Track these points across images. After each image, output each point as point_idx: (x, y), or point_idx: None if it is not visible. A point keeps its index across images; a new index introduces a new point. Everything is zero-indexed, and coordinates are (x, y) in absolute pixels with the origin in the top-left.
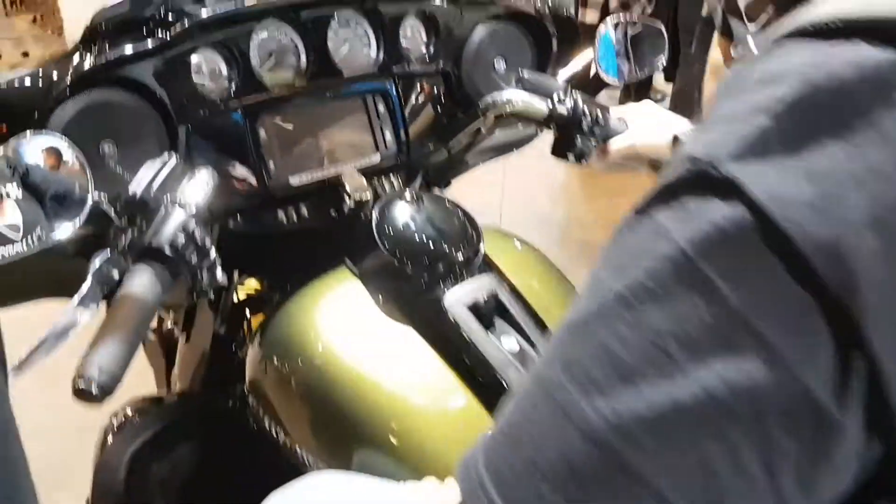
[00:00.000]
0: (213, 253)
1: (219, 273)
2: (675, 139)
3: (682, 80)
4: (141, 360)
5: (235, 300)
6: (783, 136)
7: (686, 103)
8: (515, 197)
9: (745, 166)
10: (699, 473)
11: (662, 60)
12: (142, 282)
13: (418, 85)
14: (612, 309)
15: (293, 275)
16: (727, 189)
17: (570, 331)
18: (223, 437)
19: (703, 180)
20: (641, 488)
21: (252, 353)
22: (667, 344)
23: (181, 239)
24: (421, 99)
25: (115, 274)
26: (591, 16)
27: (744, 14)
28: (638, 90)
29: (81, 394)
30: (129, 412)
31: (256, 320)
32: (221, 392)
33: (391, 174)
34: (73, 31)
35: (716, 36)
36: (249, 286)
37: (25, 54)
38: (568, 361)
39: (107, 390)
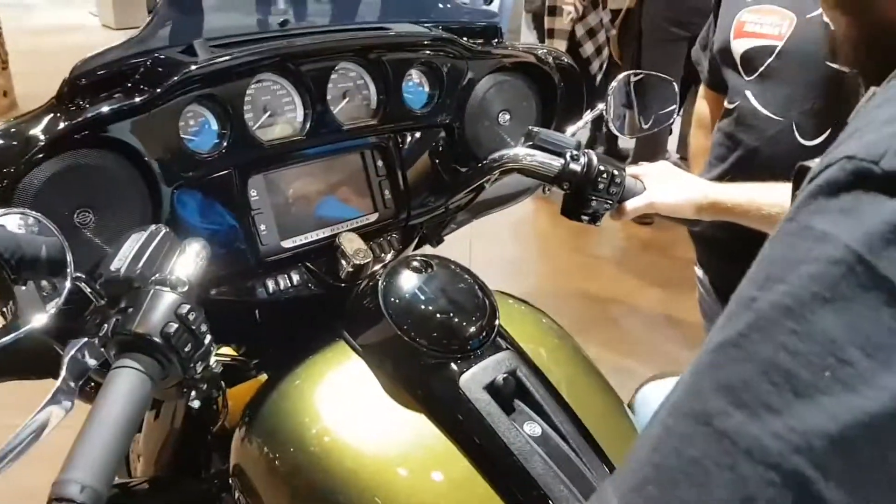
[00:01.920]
0: (207, 339)
1: (212, 361)
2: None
3: None
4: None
5: None
6: None
7: (652, 147)
8: (483, 240)
9: None
10: (888, 489)
11: (674, 114)
12: (129, 379)
13: (419, 139)
14: (774, 321)
15: (281, 345)
16: (892, 184)
17: (719, 353)
18: None
19: (866, 179)
20: None
21: (239, 437)
22: (847, 352)
23: (173, 326)
24: (421, 154)
25: (92, 364)
26: (559, 23)
27: (740, 65)
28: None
29: None
30: None
31: (235, 393)
32: (195, 476)
33: (388, 234)
34: (19, 65)
35: (702, 89)
36: (223, 351)
37: None
38: (726, 385)
39: None
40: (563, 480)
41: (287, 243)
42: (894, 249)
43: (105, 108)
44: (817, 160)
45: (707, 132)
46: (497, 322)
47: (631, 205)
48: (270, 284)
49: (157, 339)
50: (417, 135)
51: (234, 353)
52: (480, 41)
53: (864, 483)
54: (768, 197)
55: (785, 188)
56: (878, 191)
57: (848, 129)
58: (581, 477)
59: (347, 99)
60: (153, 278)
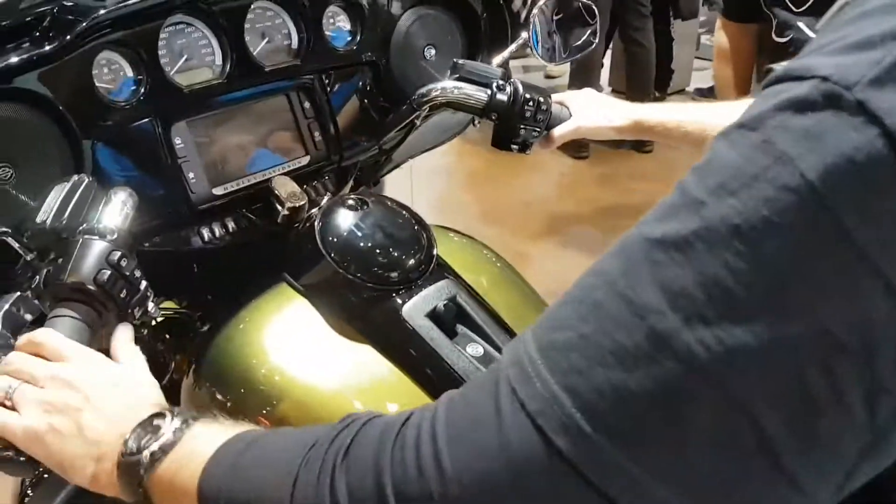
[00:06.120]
0: (143, 284)
1: (151, 307)
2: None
3: None
4: None
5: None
6: None
7: (584, 81)
8: (423, 179)
9: (882, 94)
10: (797, 401)
11: (595, 37)
12: (65, 328)
13: (345, 79)
14: (722, 236)
15: (222, 295)
16: (861, 116)
17: (661, 250)
18: None
19: (833, 104)
20: (738, 412)
21: (188, 385)
22: (786, 281)
23: (105, 273)
24: (349, 93)
25: (28, 317)
26: None
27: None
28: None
29: (6, 463)
30: None
31: (180, 345)
32: None
33: (322, 176)
34: None
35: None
36: (166, 305)
37: None
38: (665, 286)
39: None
40: None
41: (218, 190)
42: (849, 186)
43: (13, 59)
44: (784, 64)
45: (728, 62)
46: (435, 252)
47: (558, 131)
48: (206, 233)
49: (90, 287)
50: (343, 74)
51: (177, 307)
52: None
53: (775, 390)
54: (690, 115)
55: (707, 107)
56: (843, 119)
57: (818, 40)
58: None
59: (267, 39)
60: (81, 228)
